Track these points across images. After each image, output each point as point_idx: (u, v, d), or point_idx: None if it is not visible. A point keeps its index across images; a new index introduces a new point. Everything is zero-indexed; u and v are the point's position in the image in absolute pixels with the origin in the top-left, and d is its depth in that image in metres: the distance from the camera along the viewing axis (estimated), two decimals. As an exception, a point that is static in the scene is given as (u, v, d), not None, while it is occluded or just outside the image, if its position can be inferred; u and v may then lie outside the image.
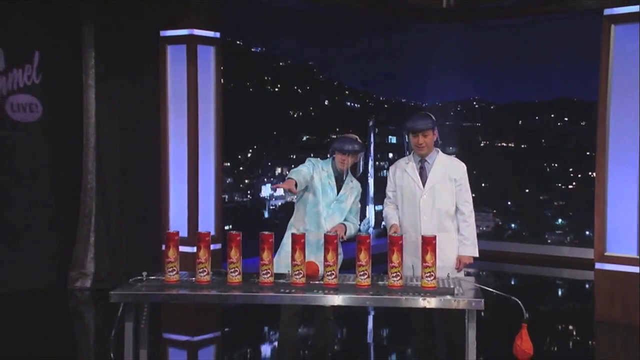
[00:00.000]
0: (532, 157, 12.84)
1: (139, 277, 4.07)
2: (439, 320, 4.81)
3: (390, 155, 12.97)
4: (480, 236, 4.86)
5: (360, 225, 5.04)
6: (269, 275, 3.95)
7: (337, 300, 3.78)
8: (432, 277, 3.84)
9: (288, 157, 12.59)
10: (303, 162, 4.85)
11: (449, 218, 4.73)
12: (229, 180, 11.76)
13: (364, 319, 7.09)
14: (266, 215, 12.33)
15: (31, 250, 7.70)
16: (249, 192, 12.37)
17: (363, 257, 3.86)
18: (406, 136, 4.81)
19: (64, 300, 7.62)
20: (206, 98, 7.75)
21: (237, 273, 3.96)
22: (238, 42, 12.19)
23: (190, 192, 7.69)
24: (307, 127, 12.97)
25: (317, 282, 3.99)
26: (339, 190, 4.82)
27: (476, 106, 13.39)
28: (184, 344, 6.52)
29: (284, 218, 8.75)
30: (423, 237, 3.91)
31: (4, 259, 7.52)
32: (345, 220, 4.83)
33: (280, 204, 12.27)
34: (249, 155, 12.60)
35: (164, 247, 4.17)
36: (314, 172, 4.77)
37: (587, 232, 10.69)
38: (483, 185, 12.29)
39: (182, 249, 4.24)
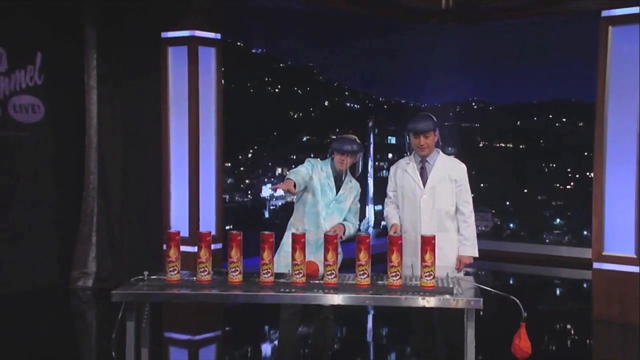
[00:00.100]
0: (530, 157, 12.87)
1: (140, 277, 4.08)
2: (439, 320, 4.84)
3: (390, 155, 13.00)
4: (479, 236, 4.87)
5: (359, 225, 5.06)
6: (269, 274, 3.96)
7: (337, 299, 3.80)
8: (431, 277, 3.85)
9: (288, 157, 12.62)
10: (303, 162, 4.86)
11: (449, 218, 4.75)
12: (229, 181, 11.79)
13: (364, 318, 7.11)
14: (266, 215, 12.36)
15: (33, 250, 7.73)
16: (249, 192, 12.41)
17: (363, 256, 3.87)
18: (407, 137, 4.84)
19: (66, 300, 7.65)
20: (207, 99, 7.78)
21: (237, 272, 3.98)
22: (239, 44, 12.24)
23: (191, 192, 7.72)
24: (307, 127, 13.00)
25: (317, 282, 4.00)
26: (338, 190, 4.84)
27: (475, 107, 13.42)
28: (185, 342, 6.54)
29: (284, 218, 8.78)
30: (422, 237, 3.92)
31: (7, 258, 7.55)
32: (344, 220, 4.85)
33: (280, 204, 12.31)
34: (250, 155, 12.64)
35: (165, 246, 4.19)
36: (313, 172, 4.79)
37: (585, 232, 10.72)
38: (482, 185, 12.31)
39: (183, 248, 4.25)
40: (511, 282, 9.51)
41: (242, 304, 6.60)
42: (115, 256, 7.97)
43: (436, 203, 4.73)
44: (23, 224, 7.71)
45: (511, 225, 12.57)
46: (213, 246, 4.19)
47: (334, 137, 4.97)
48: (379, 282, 3.98)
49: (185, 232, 7.47)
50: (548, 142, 13.03)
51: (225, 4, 8.04)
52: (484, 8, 9.17)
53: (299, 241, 3.94)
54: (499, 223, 12.37)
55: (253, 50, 12.91)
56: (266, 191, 12.37)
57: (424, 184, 4.76)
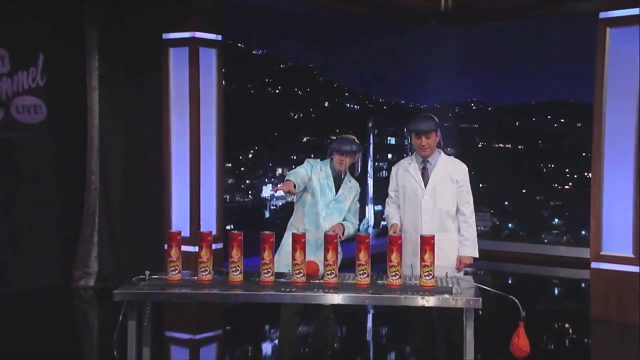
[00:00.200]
0: (529, 157, 12.89)
1: (141, 276, 4.11)
2: (438, 319, 4.86)
3: (389, 156, 13.02)
4: (478, 236, 4.88)
5: (359, 225, 5.08)
6: (269, 274, 3.99)
7: (337, 298, 3.82)
8: (430, 276, 3.87)
9: (288, 157, 12.65)
10: (303, 162, 4.89)
11: (449, 218, 4.77)
12: (230, 181, 11.82)
13: (364, 317, 7.12)
14: (267, 215, 12.39)
15: (35, 250, 7.75)
16: (250, 192, 12.44)
17: (362, 256, 3.90)
18: (409, 137, 4.86)
19: (68, 299, 7.66)
20: (208, 99, 7.81)
21: (238, 272, 4.01)
22: (239, 45, 12.28)
23: (192, 193, 7.74)
24: (307, 128, 13.03)
25: (317, 281, 4.03)
26: (337, 190, 4.86)
27: (474, 108, 13.45)
28: (186, 342, 6.55)
29: (284, 218, 8.81)
30: (421, 237, 3.93)
31: (9, 258, 7.58)
32: (344, 220, 4.87)
33: (280, 204, 12.34)
34: (250, 156, 12.67)
35: (166, 246, 4.19)
36: (312, 172, 4.81)
37: (583, 232, 10.75)
38: (481, 185, 12.33)
39: (184, 248, 4.27)
40: (510, 281, 9.52)
41: (242, 304, 6.61)
42: (117, 256, 7.99)
43: (437, 203, 4.74)
44: (25, 224, 7.73)
45: (510, 225, 12.59)
46: (214, 246, 4.21)
47: (333, 137, 4.99)
48: (379, 281, 3.99)
49: (186, 232, 7.48)
50: (546, 142, 13.05)
51: (226, 6, 8.07)
52: (483, 9, 9.18)
53: (299, 241, 3.96)
54: (497, 223, 12.40)
55: (253, 52, 12.95)
56: (266, 191, 12.41)
57: (425, 184, 4.77)
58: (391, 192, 4.95)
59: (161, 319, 6.57)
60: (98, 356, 5.95)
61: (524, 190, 12.89)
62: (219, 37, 7.85)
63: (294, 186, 4.58)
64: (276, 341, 5.56)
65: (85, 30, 7.79)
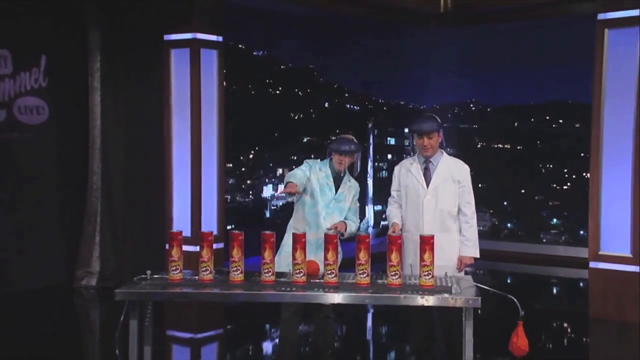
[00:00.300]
0: (528, 158, 12.90)
1: (143, 276, 4.13)
2: (438, 319, 4.88)
3: (389, 156, 13.04)
4: (477, 235, 4.95)
5: (360, 224, 5.12)
6: (270, 273, 4.01)
7: (337, 298, 3.85)
8: (430, 276, 3.89)
9: (289, 158, 12.66)
10: (303, 163, 4.93)
11: (451, 219, 4.80)
12: (231, 181, 11.84)
13: (364, 317, 7.14)
14: (267, 215, 12.42)
15: (38, 249, 7.78)
16: (250, 192, 12.46)
17: (362, 256, 3.92)
18: (411, 137, 4.89)
19: (70, 298, 7.69)
20: (209, 100, 7.84)
21: (239, 272, 4.04)
22: (240, 46, 12.30)
23: (193, 193, 7.78)
24: (307, 128, 13.04)
25: (317, 281, 4.05)
26: (337, 190, 4.90)
27: (473, 108, 13.46)
28: (187, 341, 6.58)
29: (284, 218, 8.84)
30: (421, 237, 3.95)
31: (11, 258, 7.61)
32: (345, 219, 4.90)
33: (281, 204, 12.36)
34: (251, 156, 12.68)
35: (167, 246, 4.21)
36: (311, 173, 4.85)
37: (582, 232, 10.75)
38: (480, 185, 12.32)
39: (185, 248, 4.29)
40: (509, 281, 9.53)
41: (243, 303, 6.64)
42: (119, 255, 8.01)
43: (439, 203, 4.77)
44: (27, 224, 7.75)
45: (509, 225, 12.60)
46: (215, 246, 4.25)
47: (333, 138, 5.03)
48: (379, 281, 4.02)
49: (187, 232, 7.51)
50: (545, 143, 13.06)
51: (227, 7, 8.10)
52: (482, 10, 9.21)
53: (299, 241, 3.98)
54: (496, 223, 12.41)
55: (254, 53, 12.97)
56: (267, 191, 12.43)
57: (427, 184, 4.80)
58: (393, 192, 4.98)
59: (162, 319, 6.60)
60: (100, 355, 5.98)
61: (522, 191, 12.90)
62: (220, 39, 7.88)
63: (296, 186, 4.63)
64: (276, 340, 5.59)
65: (87, 32, 7.82)
